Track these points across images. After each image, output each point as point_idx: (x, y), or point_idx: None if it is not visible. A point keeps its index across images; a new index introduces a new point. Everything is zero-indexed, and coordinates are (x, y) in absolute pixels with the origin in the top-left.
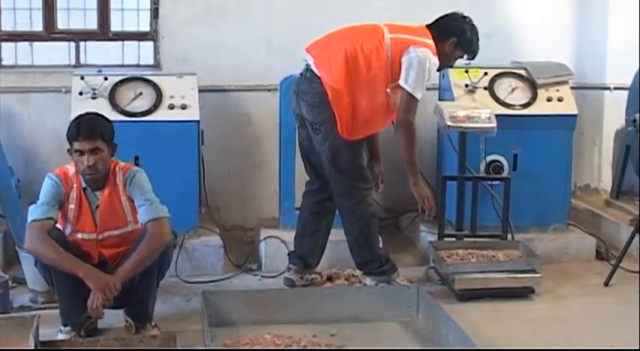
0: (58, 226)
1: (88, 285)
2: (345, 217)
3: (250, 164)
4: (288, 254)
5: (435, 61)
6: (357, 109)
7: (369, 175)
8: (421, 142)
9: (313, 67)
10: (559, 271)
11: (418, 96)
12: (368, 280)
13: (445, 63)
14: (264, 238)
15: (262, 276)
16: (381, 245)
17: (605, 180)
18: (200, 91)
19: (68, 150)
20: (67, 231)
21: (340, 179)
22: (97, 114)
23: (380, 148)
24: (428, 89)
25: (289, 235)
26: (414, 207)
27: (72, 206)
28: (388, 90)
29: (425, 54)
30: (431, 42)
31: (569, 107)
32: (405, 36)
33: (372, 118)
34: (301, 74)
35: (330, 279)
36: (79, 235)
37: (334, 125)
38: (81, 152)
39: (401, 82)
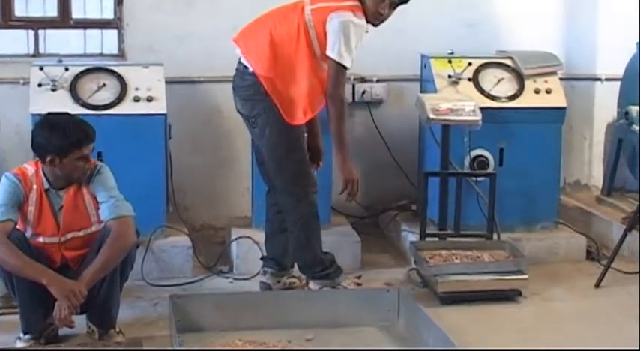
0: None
1: (52, 292)
2: (286, 216)
3: (221, 160)
4: (261, 258)
5: (359, 22)
6: (296, 92)
7: (310, 171)
8: (402, 137)
9: (242, 59)
10: (547, 273)
11: (346, 64)
12: (312, 284)
13: (376, 16)
14: (236, 239)
15: (234, 278)
16: (324, 249)
17: (596, 176)
18: (167, 82)
19: (51, 160)
20: (28, 234)
21: (279, 175)
22: (67, 114)
23: (318, 122)
24: (409, 80)
25: (262, 235)
26: (394, 205)
27: (32, 208)
28: (324, 65)
29: (346, 18)
30: (353, 3)
31: (557, 99)
32: (325, 4)
33: (316, 97)
34: (236, 68)
35: (309, 283)
36: (41, 239)
37: (269, 118)
38: (85, 158)
39: (327, 51)
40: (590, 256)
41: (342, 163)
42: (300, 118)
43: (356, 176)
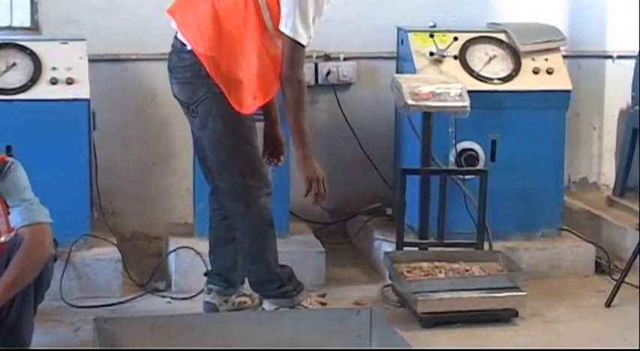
0: None
1: None
2: (234, 223)
3: (156, 155)
4: (205, 274)
5: None
6: (245, 74)
7: (263, 169)
8: (374, 126)
9: (179, 34)
10: (549, 289)
11: (302, 41)
12: (267, 305)
13: None
14: (174, 250)
15: (172, 298)
16: (281, 262)
17: (607, 173)
18: (90, 61)
19: None
20: None
21: (224, 174)
22: None
23: (277, 106)
24: (382, 58)
25: (206, 246)
26: (365, 208)
27: None
28: (278, 41)
29: None
30: None
31: (561, 81)
32: None
33: (268, 80)
34: (172, 44)
35: (262, 303)
36: None
37: (213, 105)
38: None
39: (280, 25)
40: (600, 268)
41: (303, 159)
42: (249, 105)
43: (320, 174)
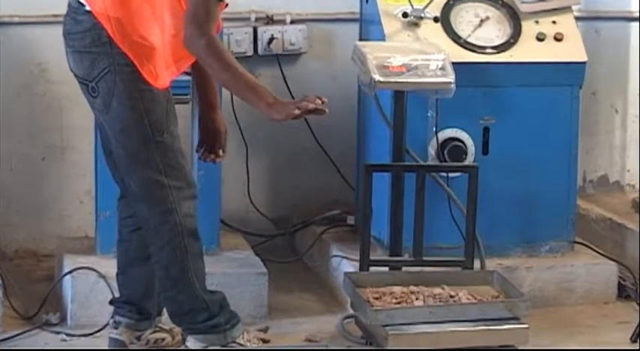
0: None
1: None
2: (149, 236)
3: (46, 148)
4: (111, 302)
5: None
6: (157, 38)
7: (184, 165)
8: (331, 109)
9: None
10: (559, 319)
11: None
12: (192, 342)
13: None
14: (71, 271)
15: (67, 334)
16: (210, 287)
17: (633, 169)
18: None
19: None
20: None
21: (134, 171)
22: None
23: (216, 89)
24: (341, 21)
25: (113, 266)
26: (320, 216)
27: None
28: None
29: None
30: None
31: (573, 50)
32: None
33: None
34: (68, 4)
35: (186, 341)
36: None
37: (117, 80)
38: None
39: None
40: (623, 293)
41: (269, 107)
42: (164, 78)
43: (292, 109)
